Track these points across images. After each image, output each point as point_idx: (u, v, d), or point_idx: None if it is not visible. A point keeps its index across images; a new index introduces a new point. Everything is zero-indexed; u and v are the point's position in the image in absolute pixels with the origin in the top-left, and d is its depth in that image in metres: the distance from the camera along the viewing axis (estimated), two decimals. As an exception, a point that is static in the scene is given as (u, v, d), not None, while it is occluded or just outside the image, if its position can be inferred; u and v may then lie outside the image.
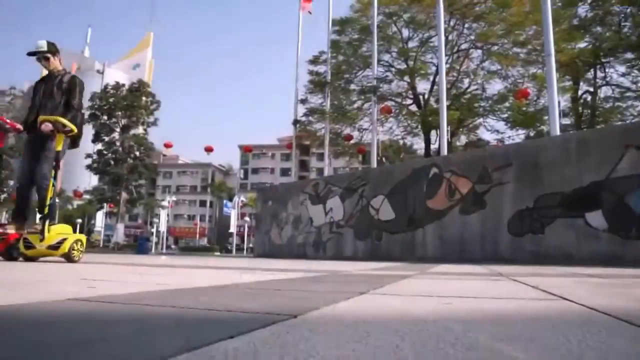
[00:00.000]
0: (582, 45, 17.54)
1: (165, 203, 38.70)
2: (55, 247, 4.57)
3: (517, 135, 19.02)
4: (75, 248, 4.74)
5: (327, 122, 19.15)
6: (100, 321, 0.98)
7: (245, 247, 43.51)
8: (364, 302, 1.44)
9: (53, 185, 4.67)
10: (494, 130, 19.70)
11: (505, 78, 18.73)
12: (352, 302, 1.41)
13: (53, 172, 4.68)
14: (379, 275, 3.60)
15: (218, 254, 34.67)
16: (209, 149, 27.61)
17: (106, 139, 39.09)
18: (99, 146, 39.33)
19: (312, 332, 0.87)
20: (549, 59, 9.95)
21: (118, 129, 39.23)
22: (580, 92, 19.53)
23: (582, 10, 18.64)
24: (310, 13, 19.39)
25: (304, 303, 1.36)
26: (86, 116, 39.23)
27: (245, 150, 42.80)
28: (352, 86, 21.13)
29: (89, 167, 39.53)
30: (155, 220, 43.16)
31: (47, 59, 4.98)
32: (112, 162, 38.29)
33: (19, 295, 1.43)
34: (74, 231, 5.26)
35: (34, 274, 2.85)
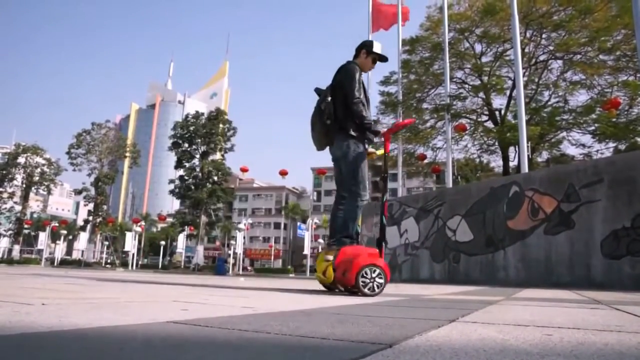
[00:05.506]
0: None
1: (241, 225, 40.02)
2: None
3: (606, 149, 17.64)
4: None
5: (400, 142, 18.97)
6: (205, 345, 1.02)
7: (319, 269, 43.62)
8: (457, 331, 1.38)
9: None
10: (579, 145, 18.41)
11: (590, 88, 17.54)
12: (444, 331, 1.36)
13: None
14: (462, 300, 3.46)
15: (292, 275, 35.09)
16: (283, 173, 28.32)
17: (187, 165, 41.51)
18: (181, 172, 41.77)
19: (414, 364, 0.85)
20: (642, 66, 9.20)
21: (198, 155, 41.53)
22: (682, 98, 17.76)
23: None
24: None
25: (394, 331, 1.34)
26: (169, 143, 42.06)
27: (319, 172, 43.42)
28: (425, 105, 20.82)
29: (171, 192, 42.12)
30: (232, 242, 44.72)
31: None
32: (193, 187, 40.50)
33: (125, 316, 1.53)
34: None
35: (126, 294, 3.04)
